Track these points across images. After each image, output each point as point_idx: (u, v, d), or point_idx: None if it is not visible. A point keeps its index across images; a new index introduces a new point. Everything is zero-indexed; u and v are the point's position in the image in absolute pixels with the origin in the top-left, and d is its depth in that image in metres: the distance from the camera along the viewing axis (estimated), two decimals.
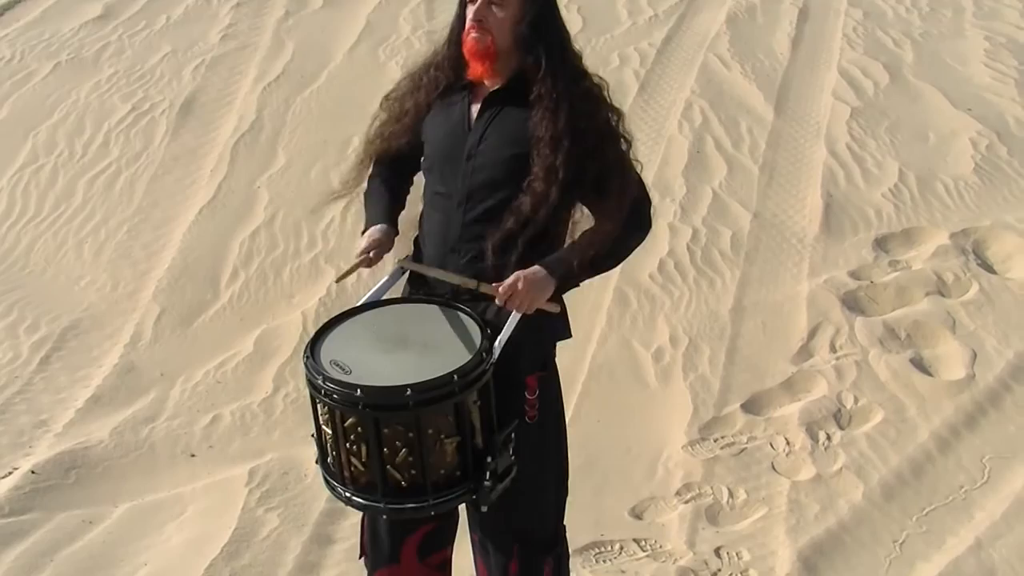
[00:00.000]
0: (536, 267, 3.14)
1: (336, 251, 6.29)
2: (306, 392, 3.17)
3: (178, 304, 5.96)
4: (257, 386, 5.35)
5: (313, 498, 4.61)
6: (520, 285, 3.11)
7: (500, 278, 3.15)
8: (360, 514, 3.72)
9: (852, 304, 5.76)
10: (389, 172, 3.51)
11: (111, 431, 5.04)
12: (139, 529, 4.54)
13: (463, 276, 3.21)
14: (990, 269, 6.07)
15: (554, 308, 3.20)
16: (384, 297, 3.40)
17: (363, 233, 3.42)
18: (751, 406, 5.14)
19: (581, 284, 3.28)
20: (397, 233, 3.44)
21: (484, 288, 3.16)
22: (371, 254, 3.36)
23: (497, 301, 3.14)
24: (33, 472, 4.77)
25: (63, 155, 7.30)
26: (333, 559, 4.34)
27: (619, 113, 3.24)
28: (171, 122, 7.63)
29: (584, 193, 3.18)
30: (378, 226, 3.40)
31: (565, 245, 3.25)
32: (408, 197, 3.56)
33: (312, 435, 3.25)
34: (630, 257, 3.35)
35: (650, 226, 3.29)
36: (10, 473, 4.80)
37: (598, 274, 3.28)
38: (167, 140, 7.43)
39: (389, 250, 3.40)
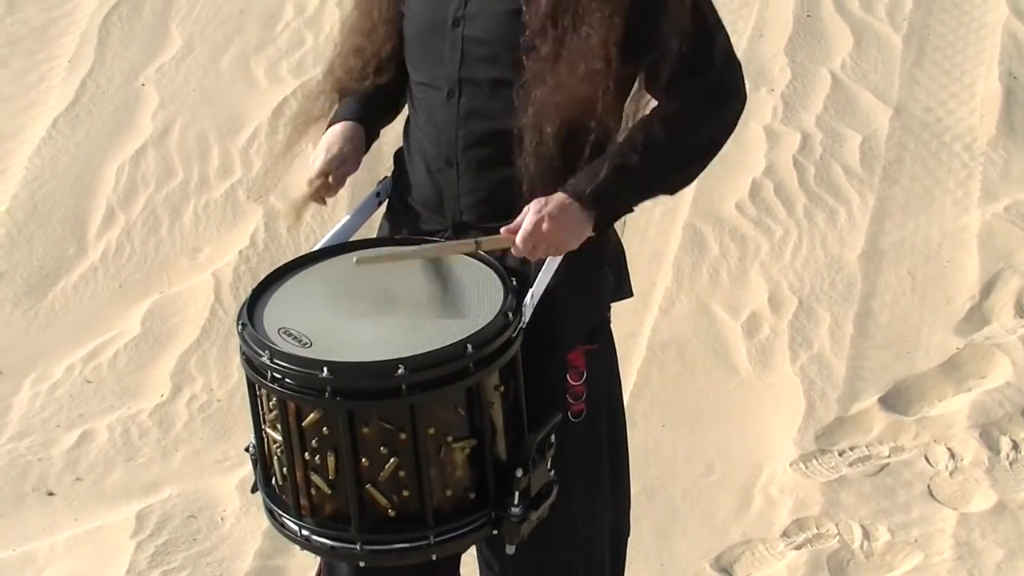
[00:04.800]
0: (560, 196, 3.13)
1: (264, 179, 6.27)
2: (228, 387, 3.17)
3: (23, 264, 5.97)
4: (147, 387, 5.36)
5: (234, 553, 4.62)
6: (545, 226, 3.11)
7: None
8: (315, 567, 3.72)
9: None
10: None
11: None
12: None
13: (455, 241, 3.23)
14: None
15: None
16: (353, 239, 3.41)
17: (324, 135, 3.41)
18: (895, 400, 5.16)
19: (635, 210, 3.26)
20: (373, 139, 3.43)
21: (490, 244, 3.19)
22: (330, 177, 3.34)
23: (515, 253, 3.16)
24: None
25: None
26: None
27: None
28: None
29: (633, 62, 3.14)
30: (343, 125, 3.39)
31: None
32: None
33: (250, 447, 3.27)
34: (707, 177, 3.31)
35: (742, 101, 3.25)
36: None
37: (662, 192, 3.26)
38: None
39: (355, 168, 3.40)
